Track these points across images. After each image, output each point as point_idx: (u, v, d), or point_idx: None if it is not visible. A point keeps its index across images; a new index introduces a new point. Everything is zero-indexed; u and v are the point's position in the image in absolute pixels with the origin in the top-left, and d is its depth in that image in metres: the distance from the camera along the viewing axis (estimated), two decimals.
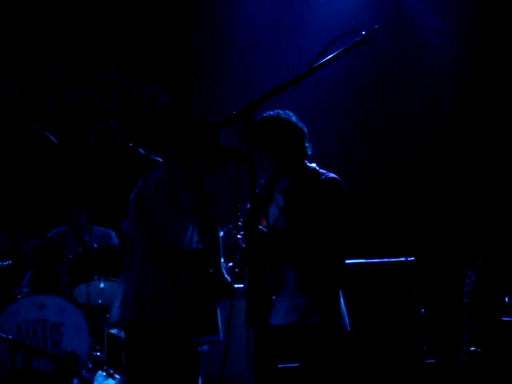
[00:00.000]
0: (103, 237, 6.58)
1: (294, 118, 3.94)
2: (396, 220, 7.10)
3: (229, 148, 3.82)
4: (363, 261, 5.57)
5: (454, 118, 7.31)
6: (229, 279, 3.73)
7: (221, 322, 3.67)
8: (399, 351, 5.36)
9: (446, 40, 7.39)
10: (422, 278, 5.59)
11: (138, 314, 3.66)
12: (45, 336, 5.66)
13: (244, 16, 7.59)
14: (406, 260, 5.53)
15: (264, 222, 3.86)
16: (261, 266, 3.42)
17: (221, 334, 3.67)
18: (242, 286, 4.30)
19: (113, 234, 6.66)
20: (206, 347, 3.78)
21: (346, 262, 4.00)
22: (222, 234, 4.11)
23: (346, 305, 3.85)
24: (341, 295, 3.84)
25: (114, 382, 5.50)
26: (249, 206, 3.83)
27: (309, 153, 3.94)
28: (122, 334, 3.85)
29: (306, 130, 3.95)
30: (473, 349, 5.37)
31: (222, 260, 3.73)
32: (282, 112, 3.92)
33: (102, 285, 5.83)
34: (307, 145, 3.94)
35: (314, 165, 3.95)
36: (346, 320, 3.84)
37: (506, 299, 5.43)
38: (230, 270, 3.91)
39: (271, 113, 3.91)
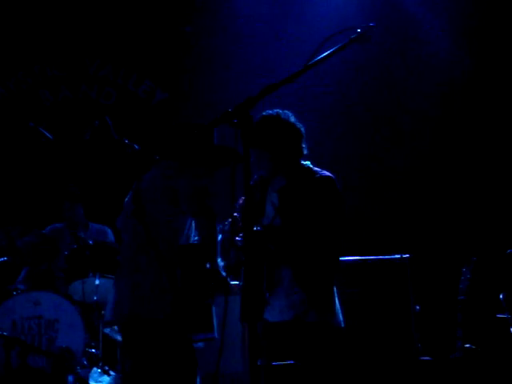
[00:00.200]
0: (99, 233, 6.56)
1: (292, 118, 3.93)
2: (391, 217, 7.10)
3: (223, 148, 3.79)
4: (358, 258, 5.58)
5: (452, 117, 7.30)
6: (225, 275, 3.73)
7: (216, 319, 3.68)
8: (394, 348, 5.37)
9: (444, 39, 7.38)
10: (417, 275, 5.60)
11: (134, 309, 3.67)
12: (40, 333, 5.64)
13: (240, 12, 7.58)
14: (401, 257, 5.54)
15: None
16: (256, 264, 3.42)
17: (215, 331, 3.67)
18: (237, 283, 4.30)
19: (109, 230, 6.64)
20: (200, 344, 3.78)
21: (341, 259, 4.02)
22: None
23: (341, 302, 3.86)
24: (335, 292, 3.85)
25: (109, 378, 5.49)
26: (241, 201, 3.84)
27: (305, 153, 3.94)
28: (116, 335, 3.85)
29: (303, 130, 3.95)
30: (467, 346, 5.38)
31: (219, 259, 3.73)
32: (281, 112, 3.91)
33: (97, 281, 5.81)
34: (304, 145, 3.94)
35: (308, 163, 3.95)
36: (341, 317, 3.85)
37: (501, 296, 5.44)
38: (224, 267, 3.91)
39: (270, 112, 3.90)
